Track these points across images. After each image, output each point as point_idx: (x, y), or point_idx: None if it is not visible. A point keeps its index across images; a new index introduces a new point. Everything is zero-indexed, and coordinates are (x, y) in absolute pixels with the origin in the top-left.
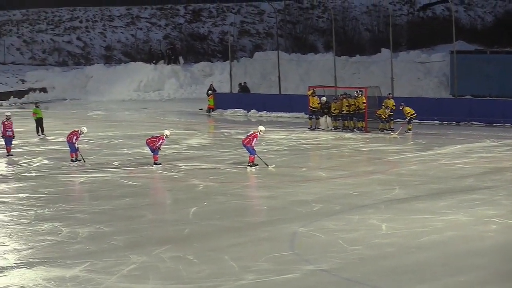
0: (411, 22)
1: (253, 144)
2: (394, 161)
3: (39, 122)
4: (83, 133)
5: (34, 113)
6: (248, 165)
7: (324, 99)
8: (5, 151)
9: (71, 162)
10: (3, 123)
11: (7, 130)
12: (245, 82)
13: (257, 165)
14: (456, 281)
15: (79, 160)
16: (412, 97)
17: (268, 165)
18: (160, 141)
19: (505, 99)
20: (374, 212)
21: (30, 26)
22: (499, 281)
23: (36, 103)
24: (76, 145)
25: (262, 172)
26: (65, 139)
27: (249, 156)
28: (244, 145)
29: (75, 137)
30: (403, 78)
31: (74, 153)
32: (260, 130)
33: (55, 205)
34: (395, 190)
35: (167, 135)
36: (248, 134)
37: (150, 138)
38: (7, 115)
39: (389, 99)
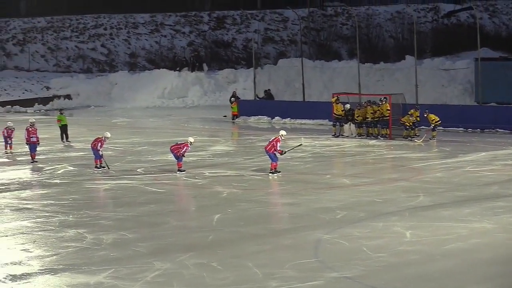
0: (436, 29)
1: (278, 148)
2: (418, 168)
3: (63, 129)
4: (107, 138)
5: (59, 120)
6: (270, 172)
7: (348, 106)
8: (30, 157)
9: (95, 169)
10: (27, 129)
11: (31, 137)
12: (269, 89)
13: (279, 172)
14: None
15: (104, 167)
16: (436, 104)
17: (301, 144)
18: (185, 148)
19: None
20: (399, 220)
21: (54, 33)
22: None
23: (61, 110)
24: (101, 152)
25: (286, 179)
26: (90, 145)
27: (271, 163)
28: (267, 152)
29: (99, 144)
30: (428, 85)
31: (98, 160)
32: (282, 135)
33: (79, 211)
34: (419, 197)
35: (191, 142)
36: (270, 140)
37: (174, 145)
38: (31, 122)
39: (417, 110)
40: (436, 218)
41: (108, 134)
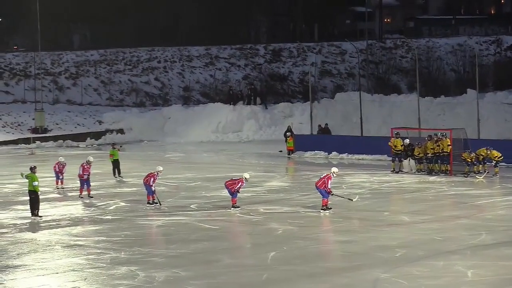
0: (498, 62)
1: (329, 186)
2: (480, 206)
3: (115, 164)
4: (159, 171)
5: (111, 155)
6: (322, 209)
7: (407, 141)
8: (79, 192)
9: (148, 205)
10: (82, 166)
11: (85, 174)
12: (326, 124)
13: (330, 208)
14: None
15: (156, 203)
16: (499, 139)
17: (351, 199)
18: (239, 184)
19: None
20: (460, 258)
21: (107, 66)
22: None
23: (113, 144)
24: (153, 188)
25: (342, 216)
26: (142, 181)
27: (322, 200)
28: (317, 188)
29: (152, 179)
30: (490, 120)
31: (151, 196)
32: (334, 172)
33: (131, 248)
34: (481, 235)
35: (246, 178)
36: (322, 176)
37: (229, 181)
38: (88, 160)
39: (488, 150)
40: (498, 257)
41: (160, 168)
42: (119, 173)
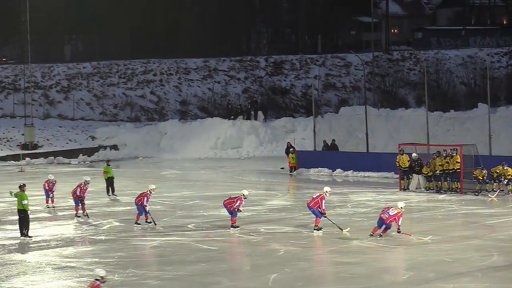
0: (511, 74)
1: (323, 206)
2: (492, 226)
3: (109, 182)
4: (152, 190)
5: (105, 172)
6: (315, 229)
7: (415, 155)
8: (75, 211)
9: (136, 225)
10: (79, 186)
11: (82, 195)
12: (333, 140)
13: (321, 228)
14: None
15: (150, 223)
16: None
17: (342, 229)
18: (238, 202)
19: None
20: (471, 281)
21: (101, 79)
22: None
23: (107, 161)
24: (147, 208)
25: (347, 236)
26: (134, 201)
27: (315, 219)
28: (310, 208)
29: (145, 199)
30: (502, 135)
31: (140, 216)
32: (326, 191)
33: (125, 270)
34: (493, 257)
35: (245, 196)
36: (314, 197)
37: (227, 199)
38: (86, 180)
39: (504, 166)
40: (511, 279)
41: (153, 186)
42: (113, 191)
